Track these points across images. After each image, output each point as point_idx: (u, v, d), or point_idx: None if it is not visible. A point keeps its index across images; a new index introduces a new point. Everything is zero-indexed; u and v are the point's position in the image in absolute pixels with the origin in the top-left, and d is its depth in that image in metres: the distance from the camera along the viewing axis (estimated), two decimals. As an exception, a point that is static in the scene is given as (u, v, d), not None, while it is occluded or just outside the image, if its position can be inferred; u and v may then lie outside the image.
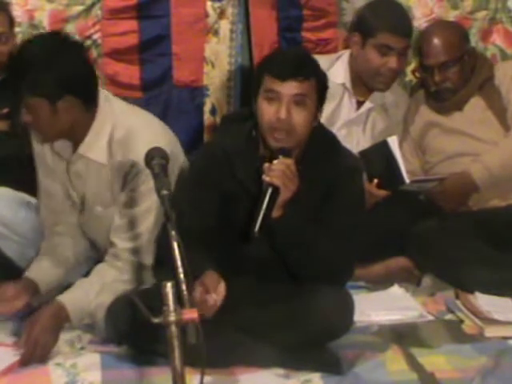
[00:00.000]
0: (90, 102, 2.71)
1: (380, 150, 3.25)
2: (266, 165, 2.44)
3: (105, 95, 2.81)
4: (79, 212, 2.90)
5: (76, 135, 2.74)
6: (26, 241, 3.04)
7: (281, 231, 2.47)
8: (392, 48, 3.32)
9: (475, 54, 3.52)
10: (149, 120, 2.87)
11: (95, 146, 2.74)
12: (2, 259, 3.01)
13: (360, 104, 3.48)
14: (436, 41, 3.38)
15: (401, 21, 3.40)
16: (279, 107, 2.48)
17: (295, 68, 2.48)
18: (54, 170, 2.88)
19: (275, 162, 2.44)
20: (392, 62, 3.33)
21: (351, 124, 3.47)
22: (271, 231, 2.46)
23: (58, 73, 2.59)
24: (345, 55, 3.49)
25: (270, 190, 2.42)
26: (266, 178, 2.43)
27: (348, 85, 3.43)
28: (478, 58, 3.50)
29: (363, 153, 3.24)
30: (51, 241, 2.95)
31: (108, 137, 2.74)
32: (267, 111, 2.50)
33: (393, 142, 3.22)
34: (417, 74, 3.52)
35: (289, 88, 2.48)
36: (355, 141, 3.46)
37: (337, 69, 3.42)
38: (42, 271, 2.85)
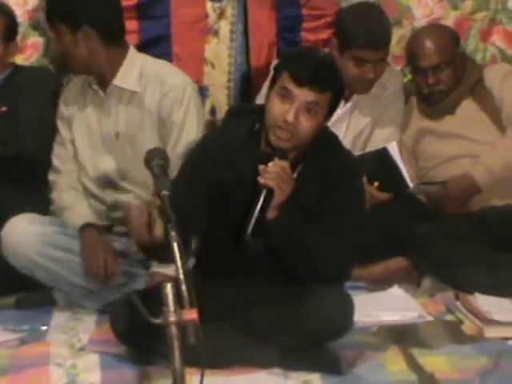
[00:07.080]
0: (110, 38, 3.00)
1: (380, 156, 3.24)
2: (261, 167, 2.43)
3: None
4: (109, 149, 3.08)
5: (104, 71, 3.03)
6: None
7: (275, 232, 2.45)
8: (368, 60, 3.32)
9: (466, 57, 3.53)
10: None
11: (128, 78, 3.03)
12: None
13: (347, 99, 3.46)
14: (429, 43, 3.38)
15: (378, 33, 3.36)
16: (289, 109, 2.44)
17: (314, 77, 2.43)
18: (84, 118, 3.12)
19: (270, 164, 2.43)
20: (368, 72, 3.35)
21: (336, 122, 3.45)
22: (267, 232, 2.46)
23: (80, 2, 2.96)
24: None
25: (264, 192, 2.41)
26: (260, 180, 2.42)
27: None
28: (467, 61, 3.51)
29: (362, 157, 3.22)
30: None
31: (139, 70, 3.04)
32: (277, 108, 2.46)
33: (392, 147, 3.22)
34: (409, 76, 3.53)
35: (303, 94, 2.43)
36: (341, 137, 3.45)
37: None
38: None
